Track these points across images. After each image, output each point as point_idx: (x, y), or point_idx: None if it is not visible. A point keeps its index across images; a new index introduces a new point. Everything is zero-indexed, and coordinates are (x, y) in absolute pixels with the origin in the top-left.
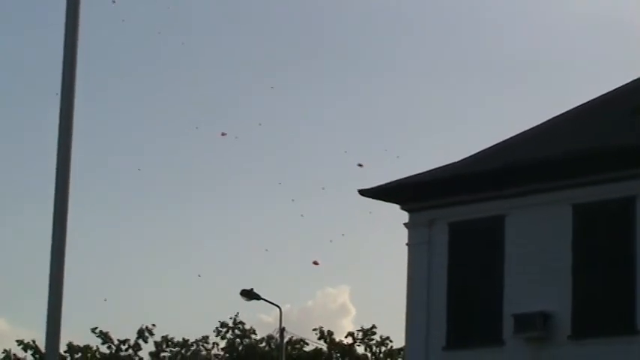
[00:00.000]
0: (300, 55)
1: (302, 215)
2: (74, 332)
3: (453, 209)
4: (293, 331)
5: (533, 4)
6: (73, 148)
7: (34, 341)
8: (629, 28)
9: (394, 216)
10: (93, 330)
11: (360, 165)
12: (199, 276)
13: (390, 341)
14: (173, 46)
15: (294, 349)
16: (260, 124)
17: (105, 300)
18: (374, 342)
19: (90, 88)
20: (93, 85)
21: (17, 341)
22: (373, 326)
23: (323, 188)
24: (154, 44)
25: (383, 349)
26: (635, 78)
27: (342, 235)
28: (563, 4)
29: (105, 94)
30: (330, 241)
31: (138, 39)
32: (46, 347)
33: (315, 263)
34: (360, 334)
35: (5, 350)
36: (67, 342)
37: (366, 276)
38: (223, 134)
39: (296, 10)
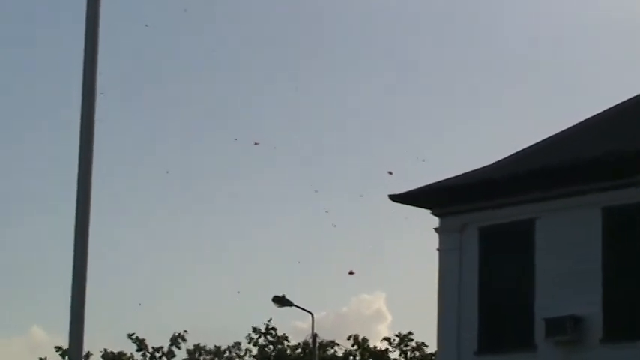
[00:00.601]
0: (317, 56)
1: (334, 225)
2: (111, 337)
3: (484, 214)
4: (327, 337)
5: (534, 4)
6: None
7: None
8: (631, 28)
9: (426, 221)
10: (129, 335)
11: (390, 173)
12: (238, 292)
13: (426, 346)
14: (190, 49)
15: (325, 351)
16: (292, 132)
17: (139, 304)
18: (409, 348)
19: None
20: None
21: (56, 347)
22: (410, 332)
23: (361, 196)
24: (169, 46)
25: (417, 354)
26: None
27: (379, 241)
28: (567, 3)
29: (124, 99)
30: (371, 247)
31: (151, 40)
32: (70, 352)
33: (351, 273)
34: (397, 339)
35: (41, 358)
36: (104, 347)
37: (402, 282)
38: (256, 144)
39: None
